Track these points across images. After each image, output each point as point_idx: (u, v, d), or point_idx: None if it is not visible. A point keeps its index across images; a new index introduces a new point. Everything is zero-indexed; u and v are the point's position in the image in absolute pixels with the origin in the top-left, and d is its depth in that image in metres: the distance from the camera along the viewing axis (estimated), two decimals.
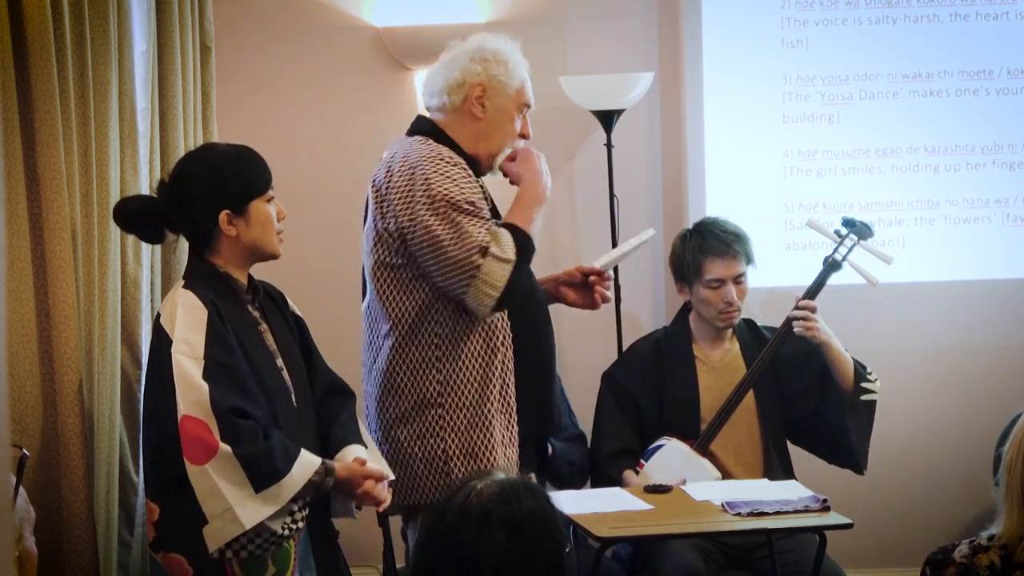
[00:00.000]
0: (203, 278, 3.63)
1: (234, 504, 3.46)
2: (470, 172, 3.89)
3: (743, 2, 5.50)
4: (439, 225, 3.80)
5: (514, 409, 3.95)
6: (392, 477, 3.75)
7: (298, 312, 3.85)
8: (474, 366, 3.90)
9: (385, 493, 3.70)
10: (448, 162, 3.85)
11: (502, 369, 3.93)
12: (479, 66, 3.96)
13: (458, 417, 3.90)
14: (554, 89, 5.41)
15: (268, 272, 3.82)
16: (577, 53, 5.59)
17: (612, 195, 5.44)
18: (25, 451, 3.73)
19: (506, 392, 3.93)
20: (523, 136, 4.09)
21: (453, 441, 3.91)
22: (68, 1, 4.07)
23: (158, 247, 4.56)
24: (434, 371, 3.90)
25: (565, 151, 5.65)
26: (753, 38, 5.51)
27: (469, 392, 3.90)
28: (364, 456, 3.71)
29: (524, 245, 3.88)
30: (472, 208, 3.82)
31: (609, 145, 5.39)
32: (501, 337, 3.92)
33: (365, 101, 5.60)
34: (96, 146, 4.20)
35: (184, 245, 3.80)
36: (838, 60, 5.51)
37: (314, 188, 5.53)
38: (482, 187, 3.96)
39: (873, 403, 4.70)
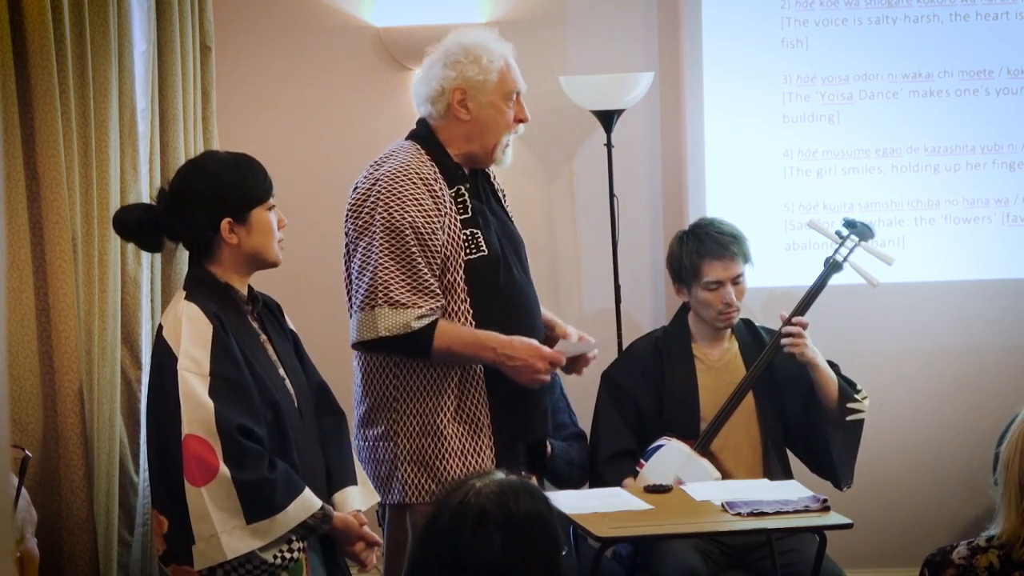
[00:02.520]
0: (204, 289, 3.60)
1: (220, 532, 3.43)
2: (435, 191, 3.89)
3: (743, 2, 5.50)
4: (364, 246, 3.86)
5: (485, 419, 3.95)
6: (381, 543, 3.76)
7: (292, 326, 3.84)
8: (429, 374, 3.93)
9: (373, 559, 3.72)
10: (407, 178, 3.87)
11: (463, 379, 3.93)
12: (452, 71, 3.96)
13: (409, 423, 3.94)
14: (554, 89, 5.41)
15: (268, 275, 3.82)
16: (577, 53, 5.59)
17: (612, 195, 5.44)
18: (28, 452, 3.73)
19: (470, 402, 3.94)
20: (520, 121, 4.05)
21: (404, 447, 3.93)
22: (68, 1, 4.07)
23: None
24: (391, 376, 3.95)
25: (565, 151, 5.65)
26: (753, 38, 5.51)
27: (421, 400, 3.93)
28: (359, 505, 3.73)
29: (414, 339, 3.84)
30: (403, 247, 3.83)
31: (609, 145, 5.39)
32: None
33: (365, 101, 5.60)
34: (96, 146, 4.20)
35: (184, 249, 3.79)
36: (838, 60, 5.51)
37: (314, 188, 5.53)
38: (462, 193, 3.95)
39: (860, 422, 4.69)
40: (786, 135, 5.53)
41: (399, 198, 3.85)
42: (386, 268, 3.84)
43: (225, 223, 3.58)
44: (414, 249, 3.84)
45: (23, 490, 3.58)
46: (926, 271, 5.52)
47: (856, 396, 4.68)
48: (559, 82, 5.37)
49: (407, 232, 3.84)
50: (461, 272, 3.91)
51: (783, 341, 4.65)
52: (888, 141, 5.53)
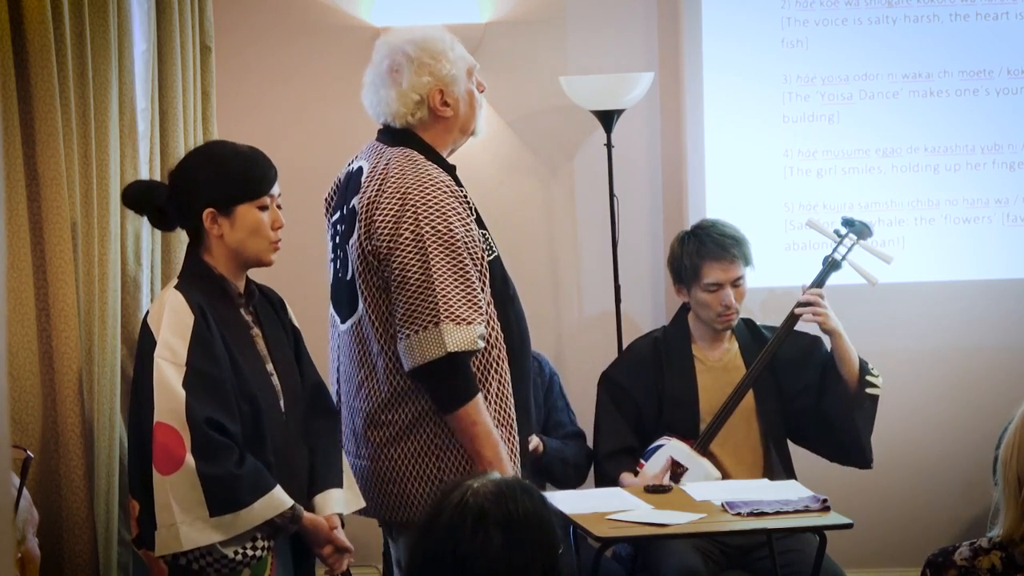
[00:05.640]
0: (196, 279, 3.62)
1: (180, 522, 3.43)
2: (460, 197, 3.78)
3: (743, 2, 5.50)
4: (417, 262, 3.70)
5: (513, 421, 3.84)
6: (352, 550, 3.69)
7: (295, 322, 3.83)
8: (479, 381, 3.78)
9: (344, 564, 3.68)
10: (439, 189, 3.74)
11: (499, 383, 3.81)
12: (425, 75, 3.84)
13: (453, 435, 3.79)
14: (554, 89, 5.41)
15: (269, 274, 3.82)
16: (577, 53, 5.59)
17: (612, 195, 5.44)
18: (29, 453, 3.72)
19: (503, 404, 3.82)
20: (480, 90, 3.94)
21: (449, 460, 3.79)
22: (68, 1, 4.06)
23: (158, 246, 4.56)
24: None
25: (565, 151, 5.65)
26: (753, 38, 5.51)
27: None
28: (340, 508, 3.68)
29: (465, 365, 3.70)
30: (454, 254, 3.70)
31: (609, 145, 5.39)
32: (496, 351, 3.80)
33: None
34: (96, 146, 4.20)
35: (184, 245, 3.80)
36: (838, 60, 5.51)
37: (313, 187, 5.52)
38: (464, 195, 3.84)
39: (876, 397, 4.71)
40: (786, 135, 5.53)
41: (441, 210, 3.70)
42: (446, 283, 3.67)
43: (207, 212, 3.59)
44: (467, 262, 3.71)
45: (25, 491, 3.57)
46: (926, 271, 5.53)
47: (872, 371, 4.70)
48: (559, 82, 5.37)
49: (459, 244, 3.70)
50: (486, 274, 3.81)
51: (798, 310, 4.67)
52: (888, 141, 5.53)
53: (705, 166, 5.52)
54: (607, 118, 5.35)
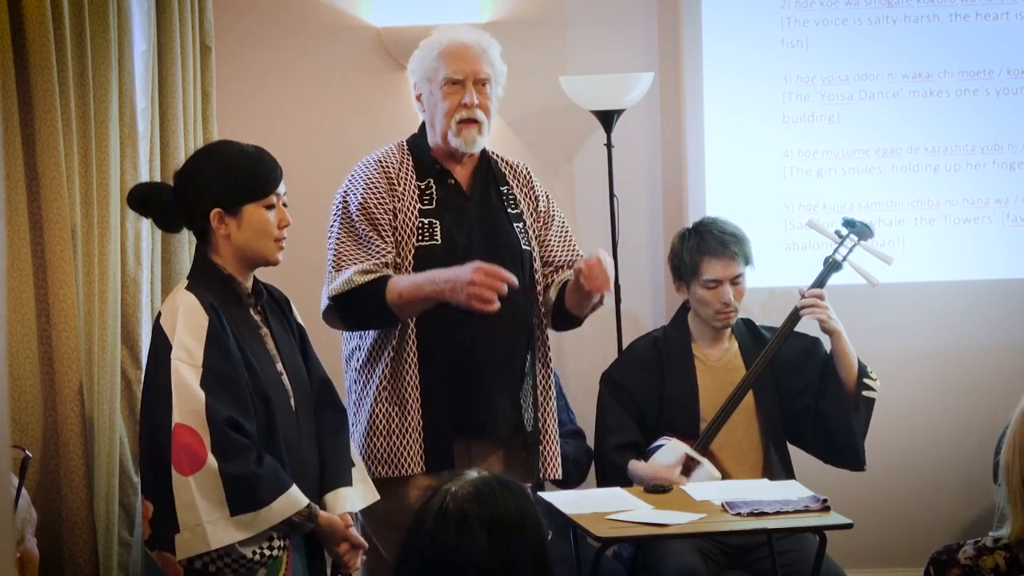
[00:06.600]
0: (206, 279, 3.62)
1: (206, 521, 3.43)
2: (394, 177, 4.10)
3: (743, 2, 5.50)
4: (331, 225, 4.14)
5: (415, 402, 4.05)
6: (366, 546, 3.76)
7: (300, 320, 3.84)
8: (371, 356, 4.09)
9: (357, 562, 3.72)
10: (367, 164, 4.14)
11: (395, 361, 4.04)
12: (409, 70, 4.25)
13: (355, 403, 4.13)
14: (554, 89, 5.41)
15: (270, 272, 3.82)
16: (577, 53, 5.59)
17: (612, 195, 5.44)
18: (28, 452, 3.73)
19: (400, 381, 4.04)
20: (464, 106, 4.12)
21: (363, 415, 4.11)
22: (68, 1, 4.07)
23: (158, 246, 4.57)
24: (354, 359, 4.15)
25: (565, 151, 5.65)
26: (753, 38, 5.51)
27: (359, 377, 4.12)
28: (350, 507, 3.72)
29: (364, 294, 3.98)
30: (351, 222, 4.06)
31: (609, 145, 5.39)
32: (396, 330, 4.05)
33: (365, 101, 5.60)
34: (96, 146, 4.20)
35: (185, 246, 3.80)
36: (838, 60, 5.51)
37: (313, 187, 5.52)
38: (430, 185, 4.12)
39: (872, 401, 4.71)
40: (786, 135, 5.53)
41: (355, 183, 4.12)
42: (339, 241, 4.07)
43: (215, 213, 3.59)
44: (361, 225, 4.05)
45: (23, 490, 3.58)
46: (926, 271, 5.53)
47: (870, 375, 4.70)
48: (559, 82, 5.38)
49: (354, 210, 4.06)
50: (410, 258, 4.04)
51: (802, 312, 4.67)
52: (888, 141, 5.53)
53: (705, 166, 5.52)
54: (607, 118, 5.35)
